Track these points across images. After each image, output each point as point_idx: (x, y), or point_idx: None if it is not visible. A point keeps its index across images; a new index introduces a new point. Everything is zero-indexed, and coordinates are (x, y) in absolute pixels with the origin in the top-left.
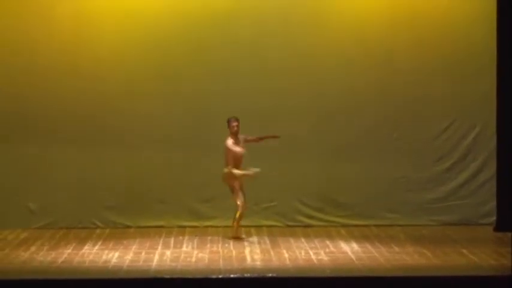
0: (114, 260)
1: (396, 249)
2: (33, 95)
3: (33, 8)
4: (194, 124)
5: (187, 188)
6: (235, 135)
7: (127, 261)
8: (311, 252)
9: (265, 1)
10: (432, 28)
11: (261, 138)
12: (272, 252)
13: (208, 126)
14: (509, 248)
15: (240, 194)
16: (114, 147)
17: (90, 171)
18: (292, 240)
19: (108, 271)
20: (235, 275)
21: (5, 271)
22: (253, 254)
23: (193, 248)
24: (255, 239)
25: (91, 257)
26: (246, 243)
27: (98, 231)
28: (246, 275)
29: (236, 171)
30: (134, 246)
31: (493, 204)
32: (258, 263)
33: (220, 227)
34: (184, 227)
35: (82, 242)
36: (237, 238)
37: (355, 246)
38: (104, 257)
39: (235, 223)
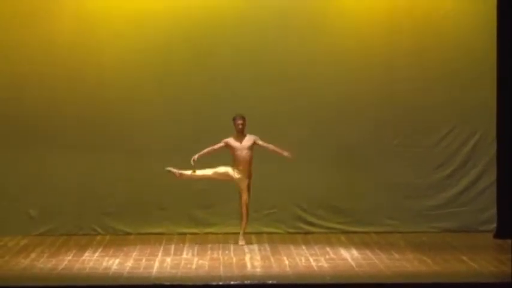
0: (114, 267)
1: (396, 256)
2: (34, 101)
3: (34, 13)
4: (195, 130)
5: (188, 194)
6: (240, 133)
7: (127, 268)
8: (311, 259)
9: (266, 8)
10: (432, 35)
11: (271, 150)
12: (272, 259)
13: (209, 133)
14: (510, 255)
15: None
16: (114, 153)
17: (91, 178)
18: (292, 247)
19: (108, 278)
20: (236, 282)
21: (5, 278)
22: (253, 261)
23: (193, 255)
24: (255, 246)
25: (91, 263)
26: (246, 250)
27: (98, 237)
28: (246, 281)
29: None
30: (134, 253)
31: (493, 211)
32: (258, 270)
33: (220, 233)
34: (185, 233)
35: (82, 248)
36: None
37: (355, 253)
38: (105, 264)
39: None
